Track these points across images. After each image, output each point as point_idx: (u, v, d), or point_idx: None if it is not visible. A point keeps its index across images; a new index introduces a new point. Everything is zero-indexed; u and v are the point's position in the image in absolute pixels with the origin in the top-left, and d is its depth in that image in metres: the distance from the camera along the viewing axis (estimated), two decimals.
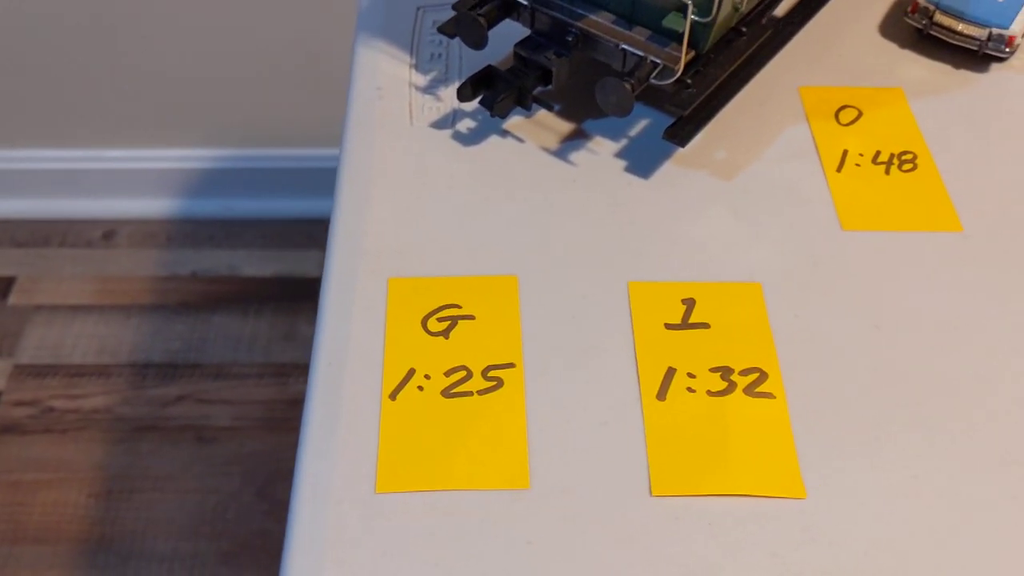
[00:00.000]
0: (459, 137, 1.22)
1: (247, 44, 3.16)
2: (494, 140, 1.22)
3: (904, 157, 1.21)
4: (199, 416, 2.90)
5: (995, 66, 1.34)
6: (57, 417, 3.14)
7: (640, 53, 1.10)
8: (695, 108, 1.12)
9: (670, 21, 1.08)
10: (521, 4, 1.15)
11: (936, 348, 1.02)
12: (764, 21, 1.22)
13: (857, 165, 1.20)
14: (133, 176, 3.86)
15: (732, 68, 1.16)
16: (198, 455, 2.77)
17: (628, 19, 1.12)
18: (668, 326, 1.02)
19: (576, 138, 1.23)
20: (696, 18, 1.08)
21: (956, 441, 0.94)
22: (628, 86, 1.07)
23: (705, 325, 1.02)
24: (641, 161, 1.20)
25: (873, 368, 1.00)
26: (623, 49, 1.11)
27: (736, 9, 1.11)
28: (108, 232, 4.01)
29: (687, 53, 1.10)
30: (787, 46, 1.32)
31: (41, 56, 3.03)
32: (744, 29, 1.18)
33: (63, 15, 3.07)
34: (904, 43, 1.37)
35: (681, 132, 1.12)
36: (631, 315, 1.03)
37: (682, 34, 1.09)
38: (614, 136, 1.23)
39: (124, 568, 2.66)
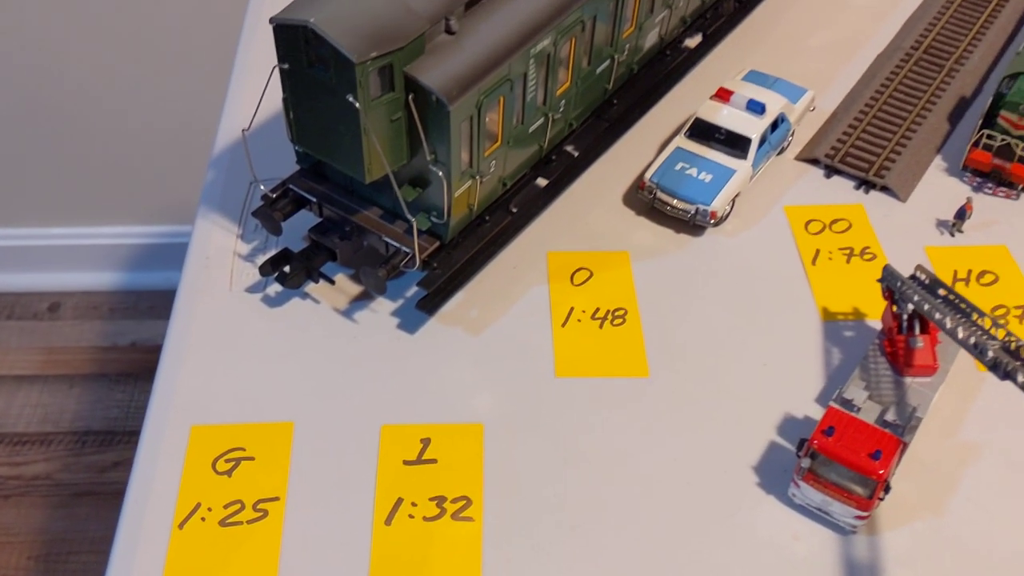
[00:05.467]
0: (268, 300, 1.53)
1: (182, 131, 3.46)
2: (296, 302, 1.53)
3: (617, 313, 1.53)
4: None
5: (710, 230, 1.66)
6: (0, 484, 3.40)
7: (397, 244, 1.41)
8: (441, 284, 1.44)
9: (419, 222, 1.40)
10: (310, 200, 1.47)
11: (607, 480, 1.33)
12: (513, 206, 1.54)
13: (579, 320, 1.51)
14: (78, 251, 4.14)
15: (475, 250, 1.47)
16: None
17: (392, 214, 1.43)
18: (406, 462, 1.32)
19: (363, 299, 1.54)
20: (435, 220, 1.39)
21: (614, 565, 1.25)
22: (381, 273, 1.38)
23: (434, 460, 1.32)
24: (411, 319, 1.51)
25: (556, 496, 1.30)
26: (384, 240, 1.42)
27: (471, 210, 1.43)
28: (53, 304, 4.28)
29: (433, 245, 1.42)
30: (545, 214, 1.64)
31: None
32: (487, 218, 1.50)
33: (6, 106, 3.35)
34: (640, 212, 1.69)
35: (429, 304, 1.44)
36: (379, 454, 1.33)
37: (430, 229, 1.41)
38: (394, 297, 1.54)
39: None
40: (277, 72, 1.31)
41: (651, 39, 1.71)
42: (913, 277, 1.37)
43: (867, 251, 1.62)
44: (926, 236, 1.65)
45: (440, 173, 1.33)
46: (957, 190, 1.72)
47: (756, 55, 1.99)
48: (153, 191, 3.73)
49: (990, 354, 1.10)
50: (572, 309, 1.53)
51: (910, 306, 1.35)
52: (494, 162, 1.42)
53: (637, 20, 1.62)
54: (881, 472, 1.19)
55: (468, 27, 1.32)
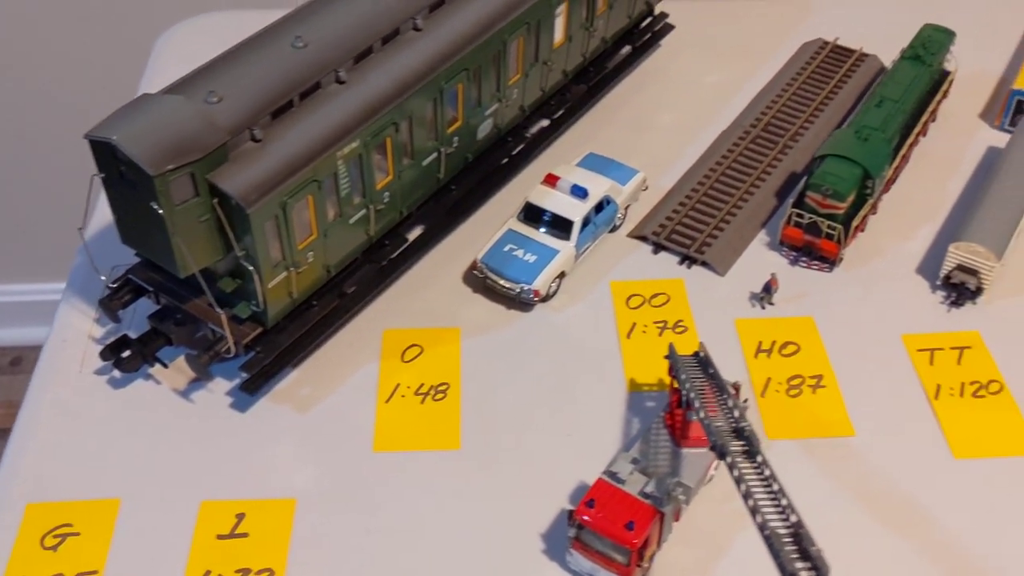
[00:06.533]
0: (113, 382, 1.64)
1: None
2: (138, 384, 1.64)
3: (440, 388, 1.64)
4: None
5: (539, 306, 1.78)
6: None
7: (220, 331, 1.52)
8: (265, 367, 1.55)
9: (239, 309, 1.52)
10: (148, 289, 1.59)
11: (409, 549, 1.42)
12: (349, 288, 1.66)
13: (403, 396, 1.62)
14: (40, 307, 4.27)
15: (300, 333, 1.59)
16: None
17: (221, 303, 1.55)
18: (219, 536, 1.43)
19: (201, 380, 1.64)
20: (255, 308, 1.51)
21: None
22: (203, 359, 1.50)
23: (245, 535, 1.43)
24: (244, 398, 1.61)
25: (358, 567, 1.40)
26: (210, 327, 1.53)
27: (291, 296, 1.55)
28: (16, 359, 4.40)
29: (255, 330, 1.53)
30: (387, 293, 1.76)
31: None
32: (315, 302, 1.61)
33: None
34: (476, 289, 1.81)
35: (252, 386, 1.55)
36: (195, 528, 1.44)
37: (253, 316, 1.53)
38: (231, 377, 1.65)
39: None
40: None
41: (484, 129, 1.84)
42: (696, 354, 1.48)
43: (680, 324, 1.73)
44: (738, 309, 1.76)
45: (251, 267, 1.45)
46: (774, 264, 1.83)
47: (606, 135, 2.11)
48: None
49: (713, 437, 1.20)
50: (398, 385, 1.64)
51: None
52: (311, 253, 1.54)
53: (464, 115, 1.75)
54: (635, 542, 1.29)
55: (274, 135, 1.45)
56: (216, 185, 1.38)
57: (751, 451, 1.16)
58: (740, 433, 1.21)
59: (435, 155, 1.73)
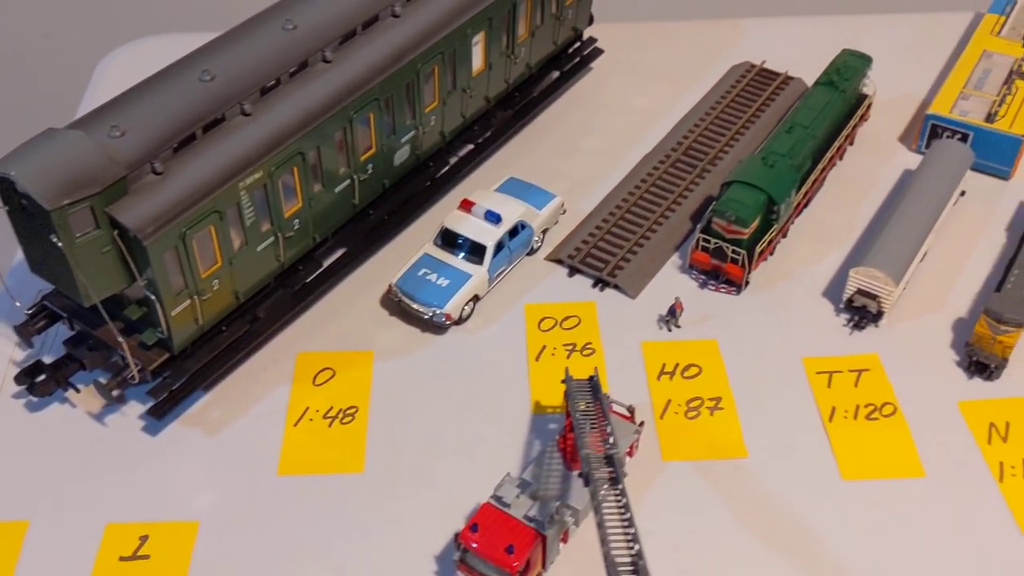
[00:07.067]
0: (30, 405, 1.68)
1: None
2: (55, 407, 1.68)
3: (348, 411, 1.67)
4: None
5: (454, 328, 1.81)
6: None
7: (128, 357, 1.56)
8: (173, 392, 1.59)
9: (146, 336, 1.55)
10: (62, 315, 1.63)
11: (306, 569, 1.46)
12: (261, 312, 1.70)
13: (311, 420, 1.66)
14: None
15: (209, 359, 1.63)
16: None
17: (131, 329, 1.58)
18: (122, 558, 1.47)
19: (116, 404, 1.68)
20: (161, 335, 1.55)
21: None
22: (110, 385, 1.54)
23: (147, 556, 1.47)
24: (155, 421, 1.65)
25: None
26: (119, 353, 1.57)
27: (198, 323, 1.59)
28: None
29: (162, 356, 1.57)
30: (304, 317, 1.80)
31: None
32: (224, 328, 1.65)
33: None
34: (393, 312, 1.85)
35: (159, 411, 1.59)
36: (99, 551, 1.47)
37: (160, 342, 1.56)
38: (144, 400, 1.69)
39: None
40: None
41: (402, 156, 1.88)
42: (590, 379, 1.52)
43: (588, 346, 1.76)
44: (646, 331, 1.80)
45: (152, 296, 1.48)
46: (684, 287, 1.87)
47: (531, 159, 2.15)
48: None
49: (583, 465, 1.24)
50: (307, 409, 1.68)
51: None
52: (216, 281, 1.58)
53: (377, 143, 1.79)
54: (515, 565, 1.32)
55: (175, 167, 1.49)
56: (114, 218, 1.42)
57: (615, 478, 1.20)
58: (610, 460, 1.24)
59: (348, 182, 1.77)
